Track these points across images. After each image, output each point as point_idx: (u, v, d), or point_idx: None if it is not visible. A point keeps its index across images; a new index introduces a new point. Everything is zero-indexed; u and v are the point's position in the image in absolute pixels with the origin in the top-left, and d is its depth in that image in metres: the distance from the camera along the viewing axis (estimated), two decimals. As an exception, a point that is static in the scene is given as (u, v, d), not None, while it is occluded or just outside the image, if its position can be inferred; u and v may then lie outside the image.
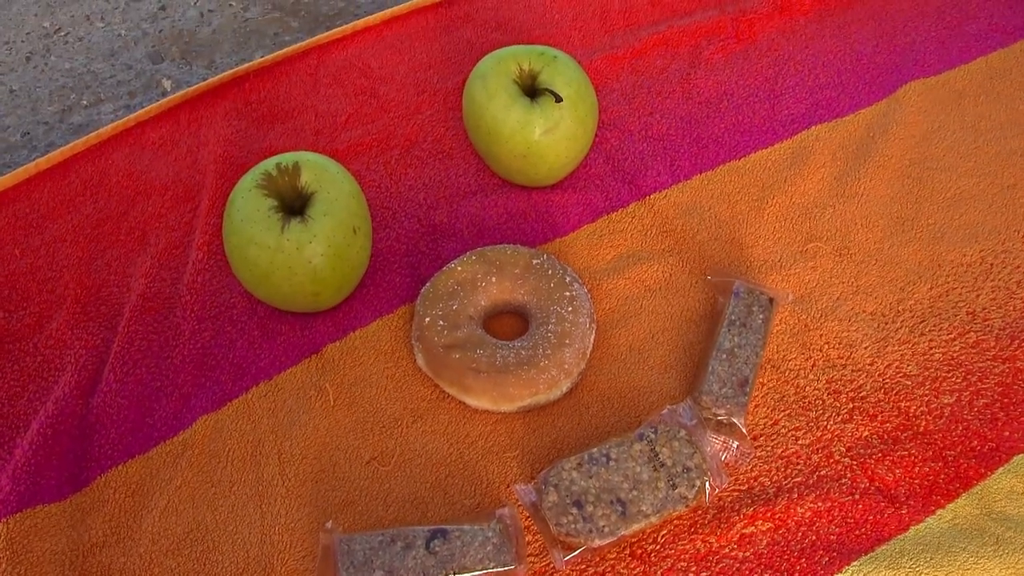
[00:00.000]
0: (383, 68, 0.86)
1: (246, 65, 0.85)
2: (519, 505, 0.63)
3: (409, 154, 0.81)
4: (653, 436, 0.62)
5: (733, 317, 0.69)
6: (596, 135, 0.81)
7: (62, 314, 0.72)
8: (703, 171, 0.80)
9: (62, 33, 0.89)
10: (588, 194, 0.78)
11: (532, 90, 0.72)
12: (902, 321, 0.71)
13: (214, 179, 0.79)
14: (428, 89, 0.85)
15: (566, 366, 0.66)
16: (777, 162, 0.81)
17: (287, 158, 0.66)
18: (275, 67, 0.86)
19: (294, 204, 0.65)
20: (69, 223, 0.77)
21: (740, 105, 0.84)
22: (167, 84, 0.86)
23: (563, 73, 0.71)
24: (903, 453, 0.65)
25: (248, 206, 0.64)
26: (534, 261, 0.70)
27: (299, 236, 0.63)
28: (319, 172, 0.65)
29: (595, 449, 0.62)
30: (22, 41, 0.88)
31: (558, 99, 0.69)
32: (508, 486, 0.64)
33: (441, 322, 0.67)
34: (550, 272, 0.69)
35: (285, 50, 0.86)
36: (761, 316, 0.69)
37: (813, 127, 0.83)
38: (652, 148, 0.81)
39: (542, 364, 0.65)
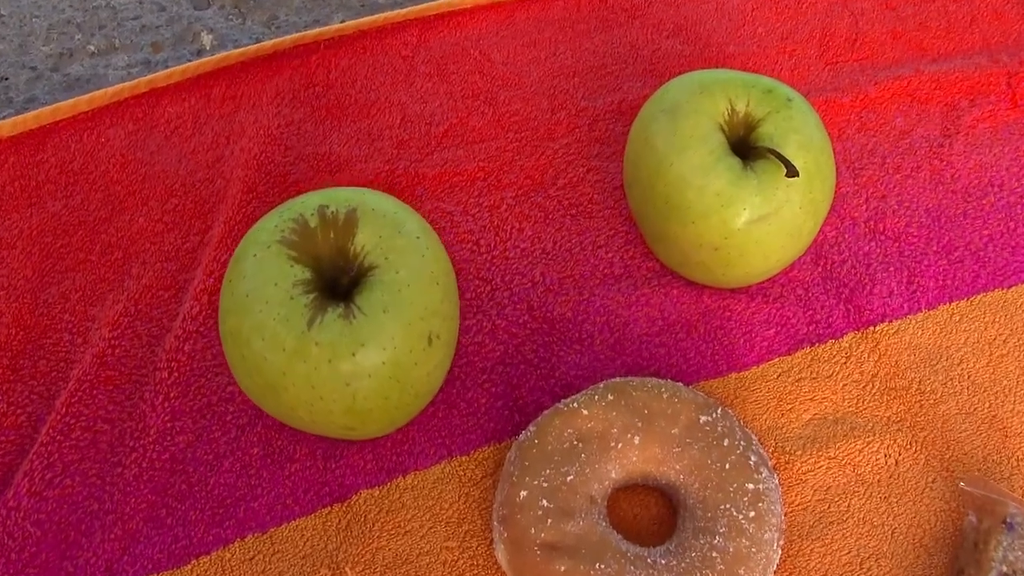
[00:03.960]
0: (508, 65, 0.60)
1: (317, 30, 0.60)
2: None
3: (529, 200, 0.55)
4: None
5: (1004, 568, 0.43)
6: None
7: (-22, 364, 0.47)
8: (953, 299, 0.54)
9: (79, -55, 0.64)
10: (785, 308, 0.52)
11: (744, 147, 0.46)
12: None
13: (241, 192, 0.54)
14: (568, 106, 0.59)
15: (735, 614, 0.40)
16: (1062, 301, 0.54)
17: (338, 199, 0.40)
18: (357, 39, 0.61)
19: (338, 280, 0.40)
20: (22, 225, 0.53)
21: (1012, 205, 0.57)
22: (207, 40, 0.61)
23: (800, 129, 0.45)
24: None
25: (262, 275, 0.38)
26: (702, 418, 0.44)
27: (336, 340, 0.38)
28: (388, 234, 0.40)
29: None
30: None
31: (791, 172, 0.43)
32: None
33: (544, 502, 0.41)
34: (726, 442, 0.44)
35: (375, 17, 0.61)
36: (1046, 570, 0.43)
37: (1119, 253, 0.56)
38: (883, 251, 0.55)
39: (698, 608, 0.39)
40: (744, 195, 0.44)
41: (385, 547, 0.44)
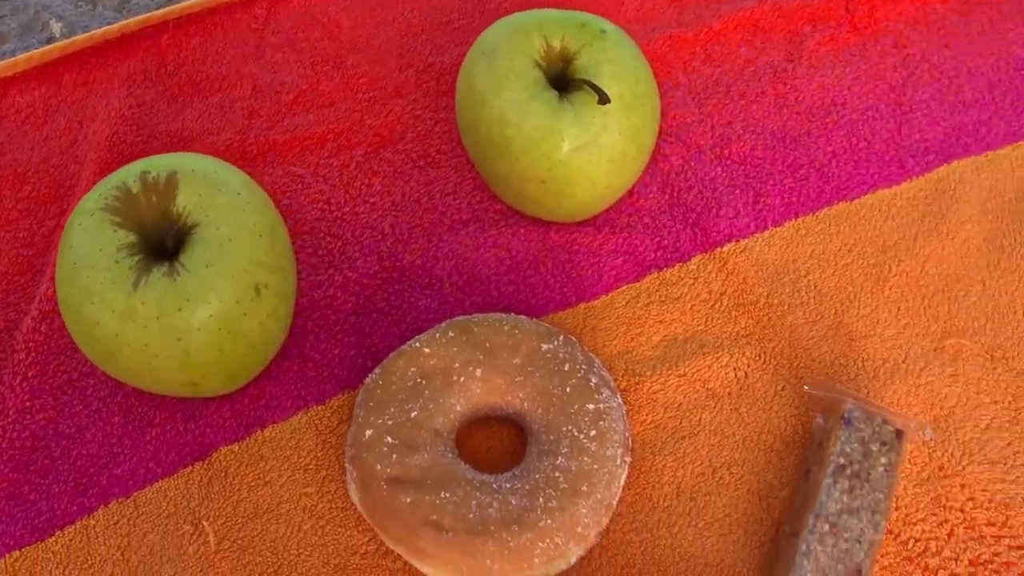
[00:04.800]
0: (357, 29, 0.61)
1: (164, 10, 0.60)
2: None
3: (378, 156, 0.56)
4: (711, 666, 0.38)
5: (842, 460, 0.44)
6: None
7: None
8: (799, 215, 0.55)
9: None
10: (633, 237, 0.53)
11: (563, 80, 0.47)
12: (1087, 472, 0.47)
13: (94, 173, 0.54)
14: (416, 64, 0.60)
15: (579, 528, 0.42)
16: (904, 210, 0.56)
17: (159, 164, 0.41)
18: (207, 16, 0.61)
19: (163, 241, 0.41)
20: None
21: (854, 122, 0.59)
22: (56, 27, 0.61)
23: (614, 59, 0.46)
24: None
25: (87, 242, 0.39)
26: (544, 346, 0.46)
27: (162, 297, 0.39)
28: (208, 192, 0.41)
29: None
30: None
31: (603, 99, 0.44)
32: None
33: (389, 439, 0.43)
34: (567, 367, 0.45)
35: (223, -7, 0.61)
36: (884, 460, 0.45)
37: (955, 161, 0.58)
38: (729, 175, 0.56)
39: (542, 525, 0.41)
40: (561, 126, 0.45)
41: (246, 499, 0.45)
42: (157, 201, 0.41)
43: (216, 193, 0.41)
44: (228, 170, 0.42)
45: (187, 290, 0.39)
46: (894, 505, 0.46)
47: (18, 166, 0.55)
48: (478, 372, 0.45)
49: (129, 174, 0.41)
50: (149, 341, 0.39)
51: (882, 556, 0.45)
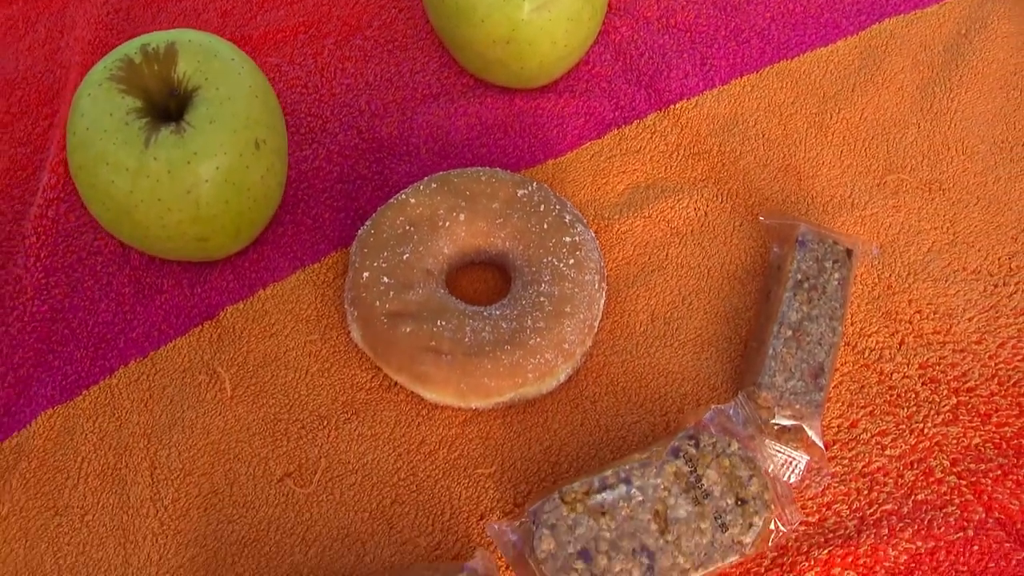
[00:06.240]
0: (318, -69, 0.65)
1: (131, -78, 0.63)
2: (495, 549, 0.43)
3: (349, 43, 0.59)
4: (694, 452, 0.42)
5: (799, 276, 0.49)
6: (603, 22, 0.60)
7: None
8: (744, 74, 0.59)
9: None
10: (592, 100, 0.57)
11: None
12: (1017, 283, 0.52)
13: (81, 75, 0.57)
14: (378, -42, 0.63)
15: (566, 345, 0.46)
16: (841, 65, 0.60)
17: (158, 38, 0.45)
18: (173, -74, 0.64)
19: (167, 106, 0.44)
20: None
21: (790, -12, 0.63)
22: (27, -53, 0.64)
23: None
24: (1037, 471, 0.46)
25: (97, 109, 0.43)
26: (519, 192, 0.50)
27: (171, 153, 0.42)
28: (205, 59, 0.44)
29: (609, 472, 0.42)
30: None
31: (558, -40, 0.48)
32: (481, 519, 0.44)
33: (385, 279, 0.47)
34: (542, 208, 0.49)
35: (186, -96, 0.64)
36: (837, 275, 0.49)
37: (886, 19, 0.63)
38: (676, 42, 0.60)
39: (532, 343, 0.45)
40: (522, -13, 0.49)
41: (255, 349, 0.49)
42: (159, 69, 0.44)
43: (213, 59, 0.44)
44: (220, 41, 0.46)
45: (194, 145, 0.42)
46: (850, 320, 0.51)
47: (5, 75, 0.58)
48: (461, 217, 0.49)
49: (131, 47, 0.44)
50: (162, 196, 0.42)
51: (842, 364, 0.49)
